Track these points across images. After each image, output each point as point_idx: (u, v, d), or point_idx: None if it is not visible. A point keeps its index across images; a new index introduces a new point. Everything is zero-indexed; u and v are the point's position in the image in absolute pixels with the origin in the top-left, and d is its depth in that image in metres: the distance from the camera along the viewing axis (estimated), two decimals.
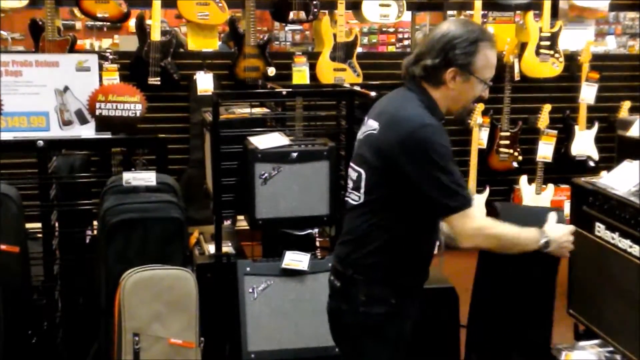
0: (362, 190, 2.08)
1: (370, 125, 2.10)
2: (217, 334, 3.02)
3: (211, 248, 3.43)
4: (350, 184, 2.14)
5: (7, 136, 2.91)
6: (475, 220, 1.99)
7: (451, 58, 1.99)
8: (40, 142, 2.85)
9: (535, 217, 2.21)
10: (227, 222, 3.96)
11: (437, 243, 2.19)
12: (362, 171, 2.08)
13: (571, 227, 2.18)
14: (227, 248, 3.47)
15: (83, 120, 2.98)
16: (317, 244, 3.66)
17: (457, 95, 2.04)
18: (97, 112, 2.96)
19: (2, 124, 2.90)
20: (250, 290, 3.06)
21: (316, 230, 3.57)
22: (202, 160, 4.06)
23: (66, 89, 2.95)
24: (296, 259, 3.09)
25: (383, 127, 2.04)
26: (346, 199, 2.18)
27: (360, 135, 2.16)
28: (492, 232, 2.03)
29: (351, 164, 2.17)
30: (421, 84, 2.06)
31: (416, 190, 1.98)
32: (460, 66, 2.00)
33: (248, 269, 3.07)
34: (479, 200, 5.03)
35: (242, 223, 3.57)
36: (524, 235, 2.07)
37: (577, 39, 5.49)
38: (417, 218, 2.05)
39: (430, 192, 1.96)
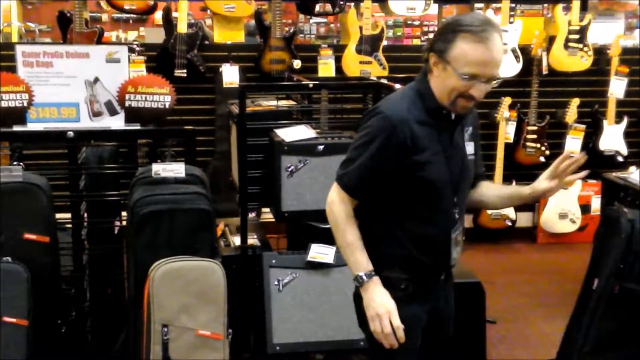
0: None
1: None
2: (242, 326, 3.03)
3: (236, 240, 3.44)
4: None
5: (37, 127, 2.94)
6: (338, 196, 2.04)
7: (432, 43, 2.01)
8: (71, 133, 2.87)
9: None
10: (251, 215, 3.97)
11: (456, 233, 2.12)
12: None
13: (394, 320, 1.98)
14: (253, 240, 3.48)
15: (113, 112, 2.99)
16: None
17: (439, 83, 2.01)
18: (127, 103, 2.98)
19: (32, 114, 2.93)
20: (276, 282, 3.07)
21: None
22: (227, 152, 4.07)
23: (96, 80, 2.97)
24: (322, 252, 3.10)
25: None
26: None
27: None
28: (334, 215, 2.04)
29: None
30: (426, 72, 2.07)
31: None
32: (437, 52, 1.99)
33: (273, 261, 3.08)
34: None
35: (267, 215, 3.58)
36: (353, 252, 2.03)
37: (607, 33, 5.42)
38: (394, 204, 2.06)
39: None
